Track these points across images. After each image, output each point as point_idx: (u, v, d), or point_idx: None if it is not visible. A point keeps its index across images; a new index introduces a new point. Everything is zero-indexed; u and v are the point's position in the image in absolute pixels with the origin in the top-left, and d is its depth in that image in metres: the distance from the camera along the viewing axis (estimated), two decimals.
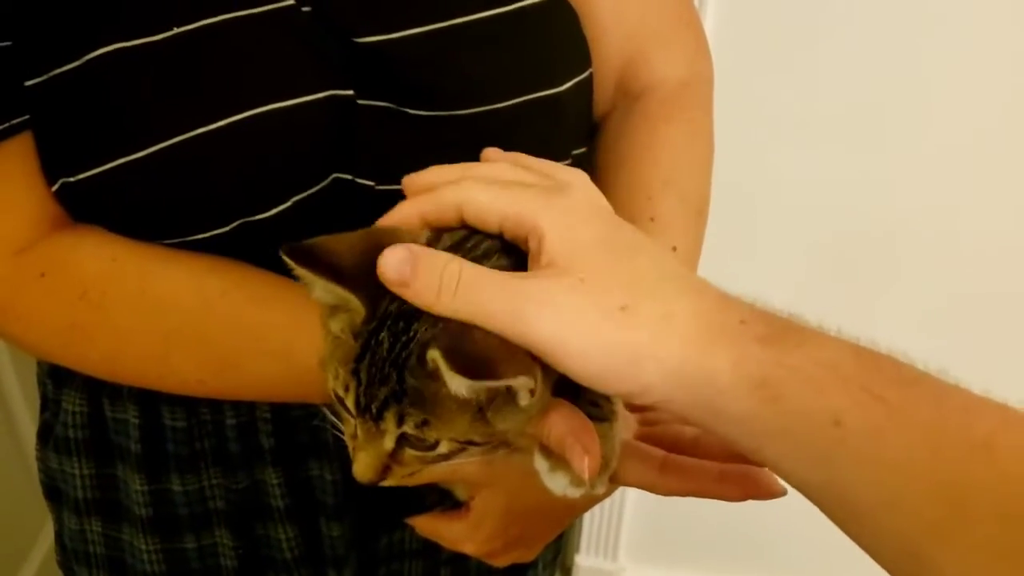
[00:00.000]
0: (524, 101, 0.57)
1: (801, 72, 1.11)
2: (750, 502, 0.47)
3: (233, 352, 0.53)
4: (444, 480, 0.59)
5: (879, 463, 0.32)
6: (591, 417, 0.44)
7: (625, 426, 0.47)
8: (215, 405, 0.61)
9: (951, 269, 1.21)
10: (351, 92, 0.54)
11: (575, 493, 0.44)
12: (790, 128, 1.15)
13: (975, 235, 1.18)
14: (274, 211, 0.53)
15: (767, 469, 0.44)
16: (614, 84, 0.66)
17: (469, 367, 0.36)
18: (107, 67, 0.50)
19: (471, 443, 0.41)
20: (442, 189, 0.41)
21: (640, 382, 0.36)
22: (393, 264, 0.38)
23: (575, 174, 0.44)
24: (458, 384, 0.38)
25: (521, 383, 0.38)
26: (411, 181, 0.44)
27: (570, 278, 0.37)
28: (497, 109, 0.56)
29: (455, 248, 0.41)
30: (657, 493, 0.46)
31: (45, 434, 0.67)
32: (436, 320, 0.38)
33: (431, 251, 0.39)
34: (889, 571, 0.33)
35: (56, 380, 0.66)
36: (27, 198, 0.53)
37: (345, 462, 0.62)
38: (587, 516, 1.47)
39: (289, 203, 0.53)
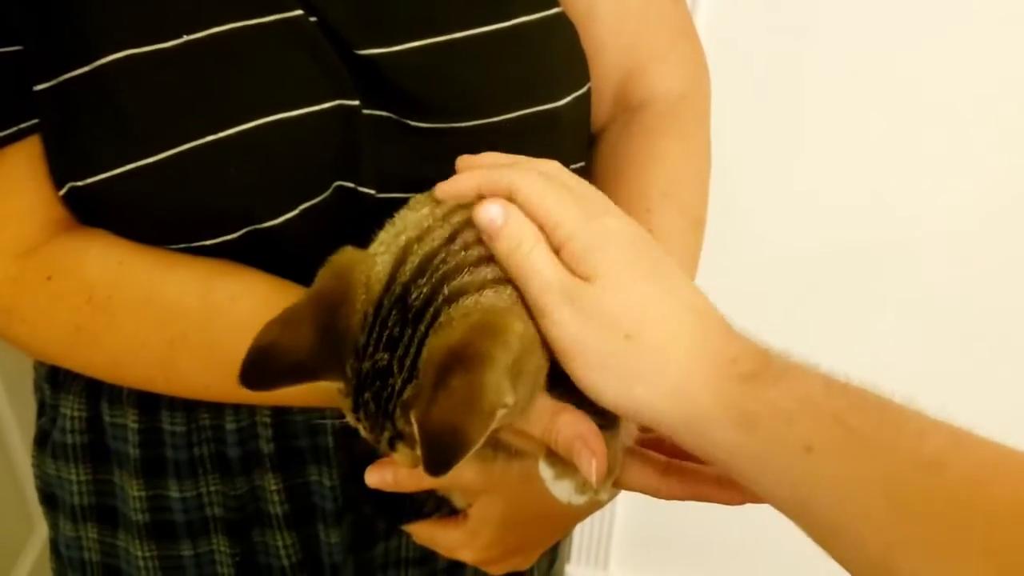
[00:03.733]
0: (523, 115, 0.58)
1: (796, 81, 1.12)
2: (743, 514, 0.48)
3: (239, 357, 0.53)
4: (442, 487, 0.59)
5: (845, 482, 0.36)
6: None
7: (627, 433, 0.47)
8: (215, 409, 0.61)
9: (947, 277, 1.22)
10: (357, 102, 0.54)
11: (580, 500, 0.45)
12: (785, 137, 1.16)
13: (971, 242, 1.19)
14: (282, 219, 0.53)
15: None
16: (612, 97, 0.67)
17: (439, 459, 0.39)
18: (117, 73, 0.50)
19: None
20: (498, 169, 0.46)
21: (632, 402, 0.41)
22: (490, 216, 0.43)
23: (604, 199, 0.48)
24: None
25: (494, 424, 0.40)
26: (467, 163, 0.49)
27: (590, 297, 0.41)
28: (496, 122, 0.57)
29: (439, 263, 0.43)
30: (659, 497, 0.47)
31: (42, 440, 0.67)
32: (410, 373, 0.41)
33: (522, 217, 0.43)
34: None
35: (54, 385, 0.66)
36: (34, 201, 0.54)
37: (344, 468, 0.63)
38: (578, 526, 1.47)
39: (297, 211, 0.54)
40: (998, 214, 1.16)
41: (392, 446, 0.43)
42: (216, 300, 0.53)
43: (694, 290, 0.44)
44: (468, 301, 0.41)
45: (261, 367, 0.43)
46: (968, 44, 1.07)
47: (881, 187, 1.17)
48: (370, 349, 0.42)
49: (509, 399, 0.39)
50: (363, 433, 0.44)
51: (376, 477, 0.57)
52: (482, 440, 0.39)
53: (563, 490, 0.45)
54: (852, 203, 1.18)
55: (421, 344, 0.41)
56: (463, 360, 0.39)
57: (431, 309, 0.41)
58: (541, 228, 0.43)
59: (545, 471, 0.46)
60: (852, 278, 1.23)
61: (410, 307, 0.41)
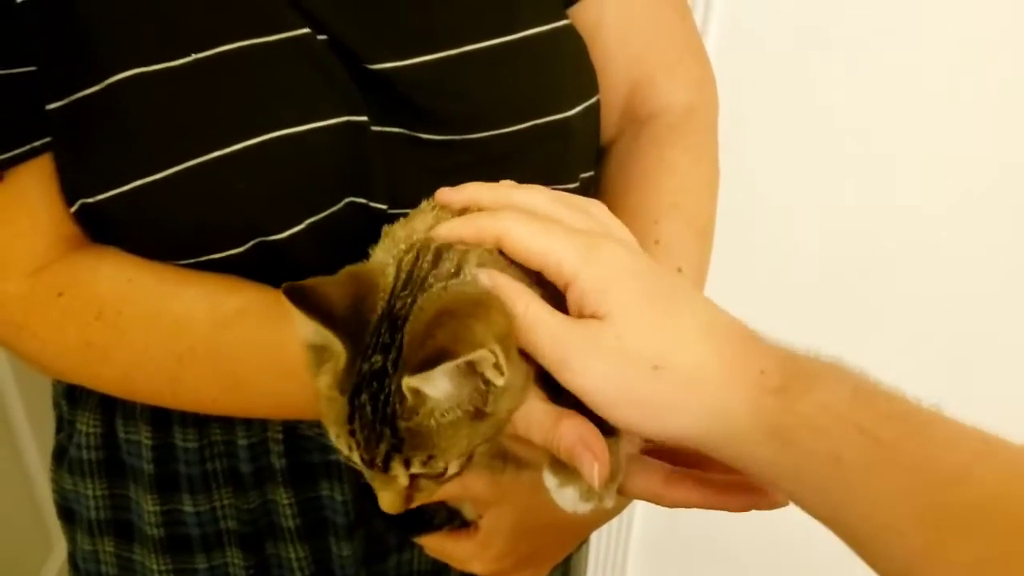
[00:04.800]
0: (533, 126, 0.58)
1: (804, 94, 1.12)
2: (761, 526, 0.48)
3: (247, 370, 0.54)
4: (453, 499, 0.59)
5: (873, 494, 0.36)
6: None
7: (631, 440, 0.47)
8: (227, 425, 0.62)
9: (954, 291, 1.21)
10: (365, 118, 0.55)
11: (585, 508, 0.45)
12: (791, 148, 1.16)
13: (985, 245, 1.18)
14: (289, 232, 0.54)
15: None
16: (621, 109, 0.67)
17: (428, 362, 0.39)
18: (127, 91, 0.51)
19: (470, 446, 0.44)
20: (483, 218, 0.45)
21: (667, 431, 0.41)
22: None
23: (600, 208, 0.48)
24: (432, 384, 0.40)
25: (480, 357, 0.39)
26: (447, 197, 0.48)
27: (608, 335, 0.41)
28: (507, 133, 0.58)
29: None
30: (662, 505, 0.47)
31: (60, 455, 0.68)
32: (404, 368, 0.41)
33: (512, 284, 0.43)
34: None
35: (71, 401, 0.66)
36: (46, 219, 0.54)
37: (356, 482, 0.63)
38: (594, 539, 1.46)
39: (304, 225, 0.54)
40: (1013, 217, 1.16)
41: (387, 465, 0.43)
42: (224, 315, 0.54)
43: (710, 306, 0.43)
44: (434, 290, 0.42)
45: (305, 290, 0.42)
46: (987, 48, 1.07)
47: (894, 190, 1.16)
48: (369, 351, 0.42)
49: (497, 351, 0.39)
50: (356, 456, 0.43)
51: None
52: (463, 359, 0.39)
53: (567, 498, 0.45)
54: (864, 207, 1.18)
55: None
56: (447, 316, 0.41)
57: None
58: (541, 271, 0.43)
59: (549, 479, 0.46)
60: (863, 283, 1.23)
61: (396, 315, 0.42)
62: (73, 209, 0.53)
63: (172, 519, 0.64)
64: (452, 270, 0.44)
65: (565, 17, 0.62)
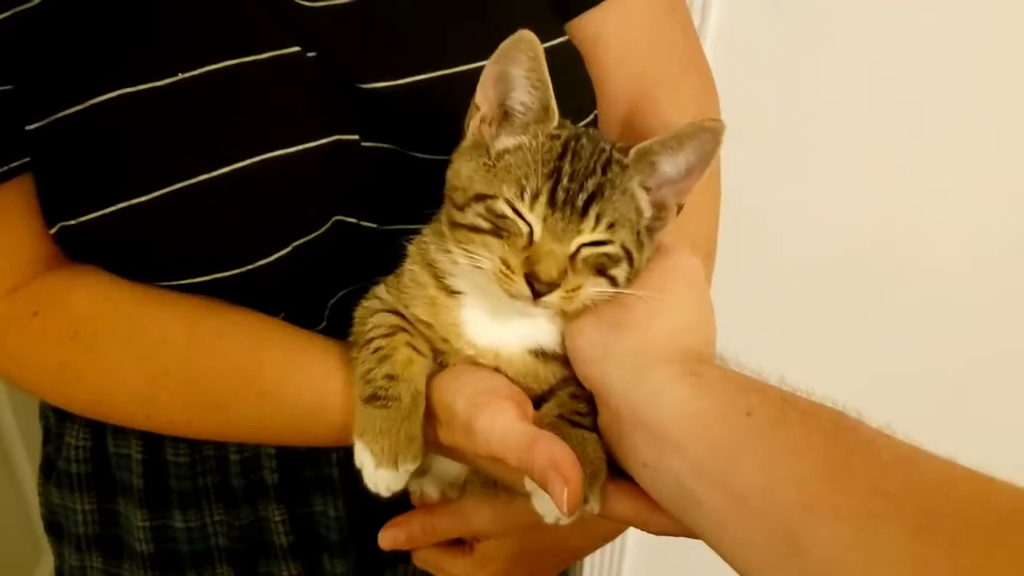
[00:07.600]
0: None
1: (801, 95, 1.12)
2: None
3: (222, 394, 0.52)
4: (460, 534, 0.59)
5: (778, 445, 0.38)
6: (577, 425, 0.46)
7: None
8: (219, 440, 0.61)
9: (949, 291, 1.21)
10: (356, 136, 0.54)
11: (566, 519, 0.44)
12: (788, 150, 1.15)
13: (976, 255, 1.18)
14: (275, 256, 0.53)
15: None
16: (620, 125, 0.67)
17: (680, 135, 0.48)
18: (111, 112, 0.50)
19: (626, 253, 0.48)
20: None
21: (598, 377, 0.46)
22: None
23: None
24: (672, 155, 0.48)
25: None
26: None
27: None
28: None
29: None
30: (647, 530, 0.46)
31: (47, 468, 0.67)
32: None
33: None
34: (753, 566, 0.38)
35: (59, 414, 0.65)
36: (24, 239, 0.53)
37: (349, 498, 0.62)
38: (588, 560, 1.46)
39: (289, 248, 0.53)
40: (1015, 218, 1.16)
41: (586, 210, 0.46)
42: (201, 335, 0.52)
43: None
44: None
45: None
46: (989, 62, 1.07)
47: (890, 202, 1.16)
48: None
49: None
50: (540, 201, 0.46)
51: (390, 540, 0.57)
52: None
53: (548, 507, 0.44)
54: (860, 218, 1.18)
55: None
56: None
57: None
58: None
59: (529, 483, 0.45)
60: (860, 286, 1.22)
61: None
62: (52, 231, 0.52)
63: (162, 535, 0.63)
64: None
65: (562, 34, 0.61)
